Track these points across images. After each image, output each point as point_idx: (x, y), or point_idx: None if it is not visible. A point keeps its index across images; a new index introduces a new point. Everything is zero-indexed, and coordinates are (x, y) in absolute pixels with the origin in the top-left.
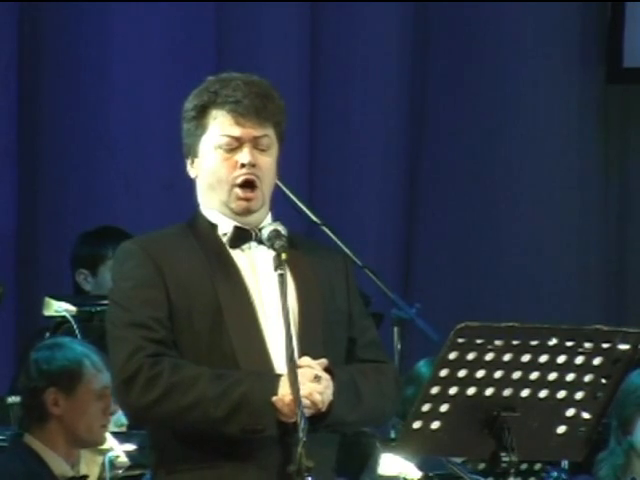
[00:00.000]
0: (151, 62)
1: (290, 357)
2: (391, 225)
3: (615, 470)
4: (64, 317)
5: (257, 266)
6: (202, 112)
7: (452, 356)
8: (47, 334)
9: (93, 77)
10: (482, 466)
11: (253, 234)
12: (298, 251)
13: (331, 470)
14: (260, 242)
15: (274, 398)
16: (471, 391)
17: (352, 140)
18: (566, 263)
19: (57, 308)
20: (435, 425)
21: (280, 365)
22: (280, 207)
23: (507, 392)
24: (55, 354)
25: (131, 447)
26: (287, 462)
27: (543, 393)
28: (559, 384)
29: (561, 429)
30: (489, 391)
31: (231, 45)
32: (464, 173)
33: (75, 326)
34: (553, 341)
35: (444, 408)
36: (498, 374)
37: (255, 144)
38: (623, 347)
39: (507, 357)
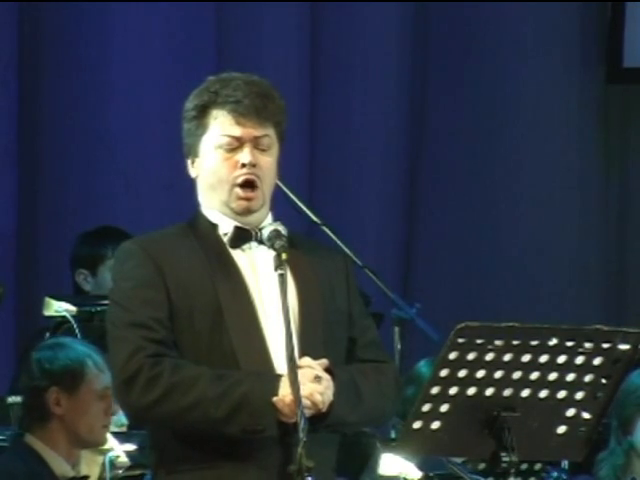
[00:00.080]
0: (151, 62)
1: (290, 357)
2: (391, 225)
3: (615, 470)
4: (64, 317)
5: (257, 266)
6: (203, 112)
7: (452, 356)
8: (47, 334)
9: (93, 77)
10: (482, 466)
11: (253, 234)
12: (298, 251)
13: (331, 470)
14: (260, 242)
15: (275, 398)
16: (471, 391)
17: (352, 140)
18: (566, 263)
19: (57, 308)
20: (435, 425)
21: (280, 365)
22: (280, 207)
23: (507, 392)
24: (57, 354)
25: (131, 447)
26: (287, 462)
27: (543, 393)
28: (559, 384)
29: (561, 429)
30: (489, 391)
31: (231, 45)
32: (464, 173)
33: (75, 326)
34: (553, 341)
35: (444, 408)
36: (498, 374)
37: (256, 144)
38: (623, 347)
39: (507, 357)
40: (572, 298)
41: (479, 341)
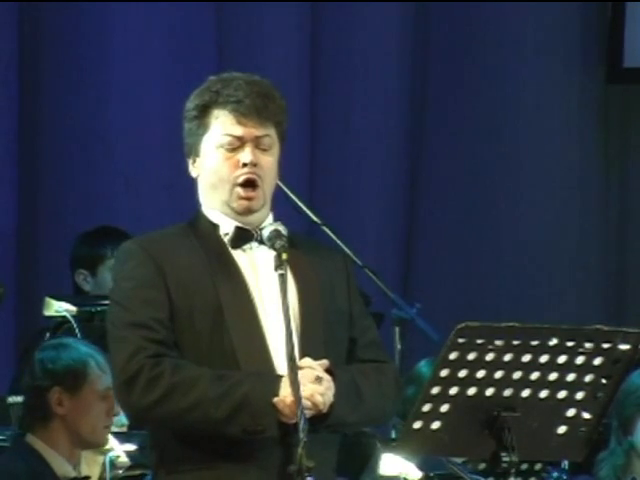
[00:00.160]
0: (151, 62)
1: (290, 357)
2: (391, 225)
3: (615, 470)
4: (64, 317)
5: (258, 266)
6: (204, 111)
7: (452, 356)
8: (47, 334)
9: (93, 77)
10: (482, 466)
11: (254, 234)
12: (299, 251)
13: (332, 470)
14: (261, 242)
15: (275, 399)
16: (471, 391)
17: (352, 140)
18: (566, 263)
19: (57, 308)
20: (435, 425)
21: (281, 364)
22: (280, 207)
23: (507, 392)
24: (60, 354)
25: (131, 447)
26: (288, 463)
27: (543, 393)
28: (559, 384)
29: (561, 429)
30: (489, 391)
31: (231, 45)
32: (464, 173)
33: (75, 326)
34: (553, 341)
35: (444, 408)
36: (498, 374)
37: (257, 144)
38: (623, 347)
39: (507, 357)
40: (572, 298)
41: (479, 341)
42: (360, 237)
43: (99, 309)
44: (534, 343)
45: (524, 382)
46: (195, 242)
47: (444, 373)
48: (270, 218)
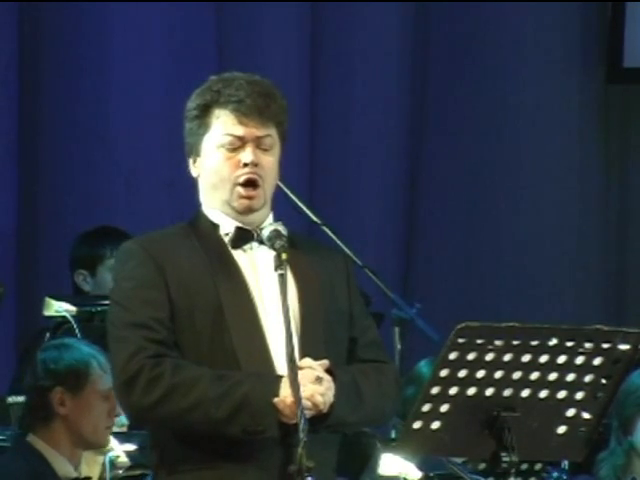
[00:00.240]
0: (151, 62)
1: (290, 357)
2: (391, 225)
3: (615, 470)
4: (64, 317)
5: (258, 266)
6: (205, 111)
7: (452, 356)
8: (47, 334)
9: (93, 77)
10: (482, 466)
11: (255, 234)
12: (299, 251)
13: (332, 470)
14: (261, 242)
15: (275, 399)
16: (471, 391)
17: (352, 140)
18: (566, 263)
19: (57, 308)
20: (435, 425)
21: (281, 364)
22: (280, 207)
23: (507, 392)
24: (63, 354)
25: (131, 447)
26: (288, 463)
27: (543, 393)
28: (559, 384)
29: (561, 429)
30: (489, 391)
31: (231, 45)
32: (464, 173)
33: (75, 326)
34: (553, 341)
35: (444, 408)
36: (498, 374)
37: (258, 144)
38: (623, 347)
39: (507, 357)
40: (572, 298)
41: (479, 341)
42: (360, 237)
43: (99, 309)
44: (534, 343)
45: (524, 382)
46: (195, 242)
47: (444, 373)
48: (270, 218)
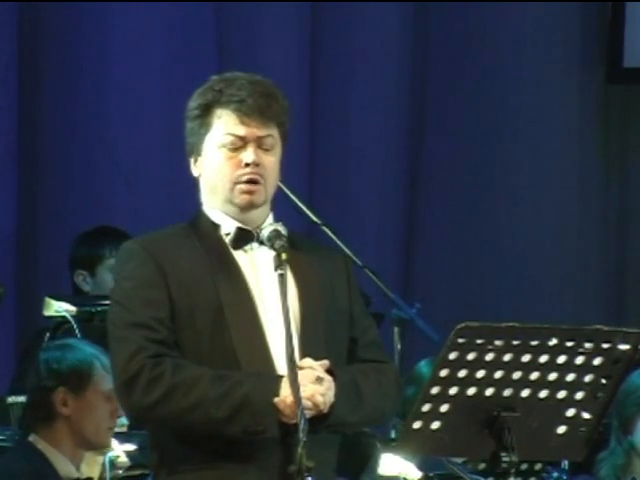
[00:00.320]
0: (151, 62)
1: (290, 357)
2: (391, 225)
3: (615, 470)
4: (64, 317)
5: (258, 266)
6: (206, 111)
7: (452, 356)
8: (47, 334)
9: (93, 77)
10: (482, 466)
11: (255, 235)
12: (299, 251)
13: (332, 470)
14: (261, 243)
15: (276, 399)
16: (471, 391)
17: (352, 140)
18: (566, 263)
19: (57, 308)
20: (435, 425)
21: (281, 364)
22: (280, 207)
23: (507, 392)
24: (65, 354)
25: (131, 447)
26: (288, 463)
27: (543, 393)
28: (559, 384)
29: (561, 429)
30: (489, 391)
31: (231, 45)
32: (464, 173)
33: (75, 326)
34: (553, 341)
35: (444, 408)
36: (498, 374)
37: (259, 144)
38: (623, 347)
39: (507, 357)
40: (572, 298)
41: (479, 341)
42: (360, 237)
43: (99, 309)
44: (534, 343)
45: (524, 382)
46: (196, 242)
47: (444, 373)
48: (270, 218)
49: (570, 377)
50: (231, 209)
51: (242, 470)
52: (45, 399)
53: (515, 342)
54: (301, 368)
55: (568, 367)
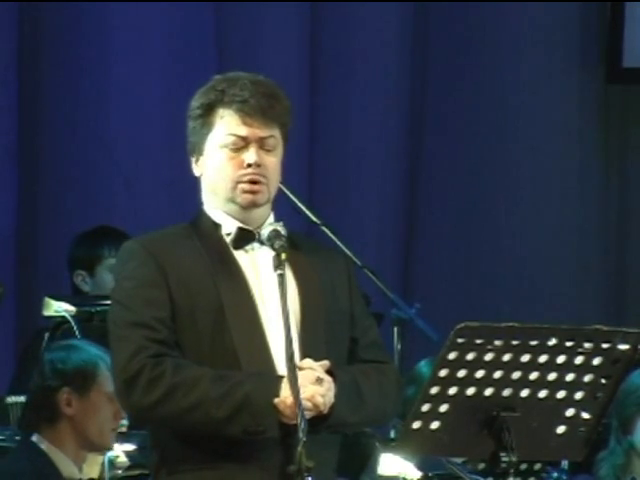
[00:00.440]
0: (151, 62)
1: (289, 357)
2: (391, 225)
3: (615, 470)
4: (64, 317)
5: (259, 266)
6: (208, 110)
7: (452, 356)
8: (46, 334)
9: (93, 77)
10: (482, 466)
11: (256, 235)
12: (300, 251)
13: (332, 471)
14: (262, 243)
15: (276, 400)
16: (471, 391)
17: (352, 140)
18: (566, 263)
19: (57, 308)
20: (435, 425)
21: (281, 364)
22: (280, 207)
23: (507, 392)
24: (70, 355)
25: (131, 447)
26: (288, 463)
27: (543, 393)
28: (559, 384)
29: (561, 429)
30: (489, 391)
31: (231, 45)
32: (464, 173)
33: (75, 326)
34: (553, 341)
35: (444, 408)
36: (498, 374)
37: (261, 144)
38: (623, 347)
39: (507, 357)
40: (572, 298)
41: (478, 341)
42: (360, 237)
43: (98, 309)
44: (533, 343)
45: (523, 382)
46: (197, 242)
47: (443, 373)
48: (271, 218)
49: (570, 377)
50: (232, 208)
51: (242, 470)
52: (49, 399)
53: (514, 342)
54: (301, 369)
55: (568, 367)
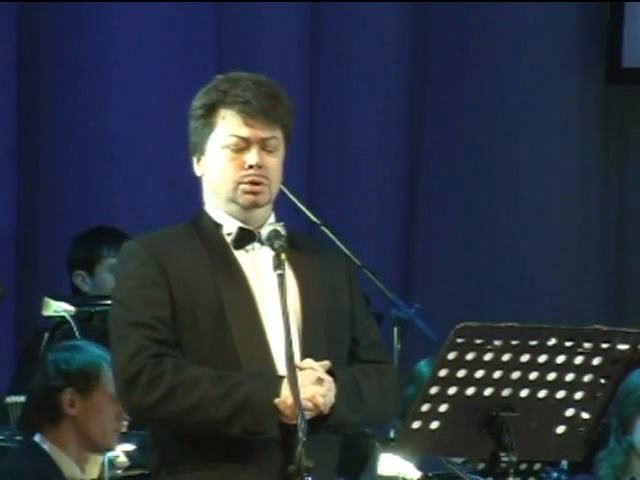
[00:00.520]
0: (151, 62)
1: (289, 357)
2: (391, 225)
3: (614, 469)
4: (63, 317)
5: (260, 266)
6: (210, 111)
7: (451, 356)
8: (46, 334)
9: (93, 77)
10: (481, 466)
11: (257, 235)
12: (301, 252)
13: (332, 471)
14: (262, 243)
15: (276, 400)
16: (470, 391)
17: (352, 140)
18: (566, 263)
19: (56, 308)
20: (434, 425)
21: (282, 364)
22: (280, 207)
23: (506, 392)
24: (74, 355)
25: (130, 447)
26: (288, 463)
27: (542, 393)
28: (558, 384)
29: (560, 429)
30: (488, 391)
31: (231, 45)
32: (464, 173)
33: (74, 326)
34: (552, 341)
35: (443, 408)
36: (497, 374)
37: (263, 145)
38: (622, 347)
39: (506, 357)
40: (572, 298)
41: (478, 341)
42: (360, 237)
43: (98, 309)
44: (533, 343)
45: (523, 382)
46: (198, 242)
47: (443, 373)
48: (272, 218)
49: (569, 377)
50: (234, 208)
51: (242, 470)
52: (52, 399)
53: (514, 342)
54: (302, 369)
55: (567, 367)
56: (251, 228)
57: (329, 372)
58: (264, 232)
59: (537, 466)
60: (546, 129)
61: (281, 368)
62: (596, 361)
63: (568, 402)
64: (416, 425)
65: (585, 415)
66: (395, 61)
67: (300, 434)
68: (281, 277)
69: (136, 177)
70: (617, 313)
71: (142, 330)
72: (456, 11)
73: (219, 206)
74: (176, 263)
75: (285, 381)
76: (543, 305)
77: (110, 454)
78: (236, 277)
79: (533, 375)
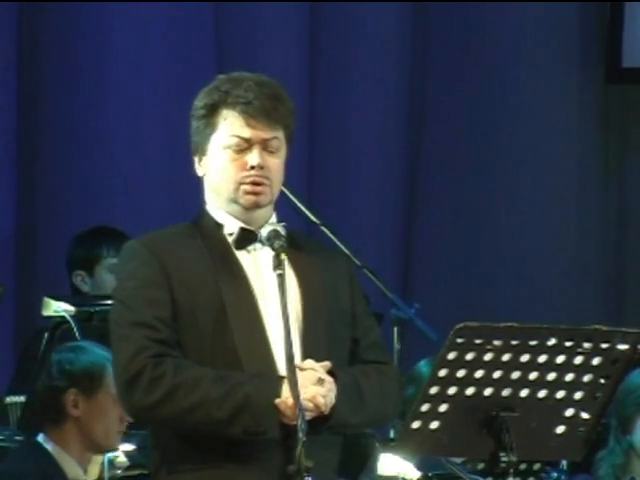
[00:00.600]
0: (151, 62)
1: (289, 357)
2: (391, 225)
3: (614, 469)
4: (63, 317)
5: (261, 267)
6: (212, 111)
7: (451, 356)
8: (46, 334)
9: (93, 77)
10: (481, 466)
11: (258, 235)
12: (301, 252)
13: (332, 471)
14: (262, 243)
15: (277, 400)
16: (470, 391)
17: (351, 140)
18: (566, 263)
19: (56, 308)
20: (434, 425)
21: (283, 364)
22: (280, 207)
23: (506, 392)
24: (78, 356)
25: (130, 447)
26: (289, 464)
27: (542, 393)
28: (558, 384)
29: (560, 429)
30: (488, 391)
31: (231, 45)
32: (464, 173)
33: (74, 326)
34: (552, 341)
35: (443, 408)
36: (497, 374)
37: (264, 146)
38: (622, 347)
39: (506, 357)
40: (572, 298)
41: (478, 341)
42: (360, 237)
43: (98, 309)
44: (533, 343)
45: (523, 382)
46: (199, 242)
47: (443, 373)
48: (273, 219)
49: (569, 377)
50: (235, 208)
51: (243, 470)
52: (56, 400)
53: (514, 342)
54: (302, 369)
55: (567, 367)
56: (252, 228)
57: (330, 372)
58: (264, 232)
59: (537, 466)
60: (546, 129)
61: (282, 368)
62: (596, 361)
63: (568, 402)
64: (416, 425)
65: (585, 415)
66: (395, 61)
67: (300, 434)
68: (281, 277)
69: (136, 177)
70: (617, 313)
71: (143, 330)
72: (456, 11)
73: (220, 206)
74: (177, 263)
75: (286, 381)
76: (543, 305)
77: (110, 454)
78: (237, 277)
79: (533, 375)
